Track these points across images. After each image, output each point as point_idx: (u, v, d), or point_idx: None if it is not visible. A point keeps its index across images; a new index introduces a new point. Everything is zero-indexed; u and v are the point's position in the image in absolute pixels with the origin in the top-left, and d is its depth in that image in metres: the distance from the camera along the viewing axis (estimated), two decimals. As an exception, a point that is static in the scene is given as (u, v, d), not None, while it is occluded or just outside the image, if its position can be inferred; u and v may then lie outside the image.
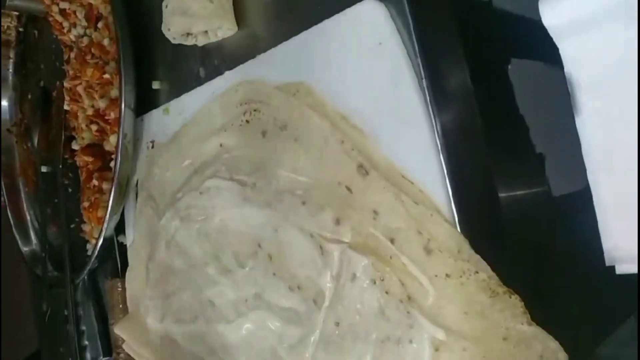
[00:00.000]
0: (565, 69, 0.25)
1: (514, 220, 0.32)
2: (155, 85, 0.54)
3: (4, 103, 0.76)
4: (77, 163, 0.63)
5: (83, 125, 0.59)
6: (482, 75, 0.34)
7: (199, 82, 0.49)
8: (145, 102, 0.55)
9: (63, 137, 0.65)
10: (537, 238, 0.35)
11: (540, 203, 0.36)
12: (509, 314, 0.31)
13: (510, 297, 0.31)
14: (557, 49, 0.28)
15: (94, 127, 0.58)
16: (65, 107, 0.61)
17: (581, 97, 0.24)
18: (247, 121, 0.43)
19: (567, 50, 0.25)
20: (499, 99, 0.35)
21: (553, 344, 0.31)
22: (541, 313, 0.31)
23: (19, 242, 0.73)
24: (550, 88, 0.38)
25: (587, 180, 0.38)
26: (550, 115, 0.39)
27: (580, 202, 0.38)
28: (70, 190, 0.68)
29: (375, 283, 0.34)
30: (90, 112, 0.58)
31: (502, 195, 0.33)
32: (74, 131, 0.63)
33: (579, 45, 0.24)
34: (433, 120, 0.33)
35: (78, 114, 0.59)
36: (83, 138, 0.59)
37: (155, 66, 0.54)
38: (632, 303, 0.43)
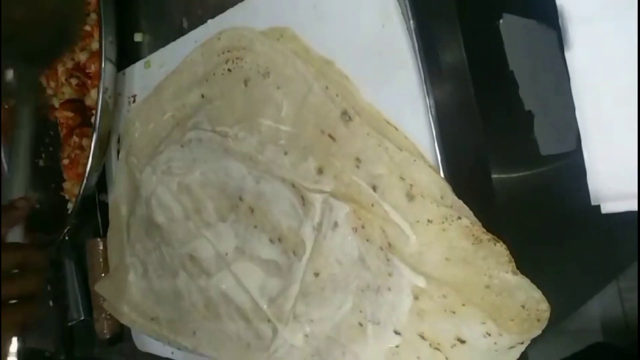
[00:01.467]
0: (557, 2, 0.24)
1: (500, 166, 0.31)
2: (137, 37, 0.52)
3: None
4: (57, 120, 0.61)
5: (63, 79, 0.57)
6: (471, 19, 0.33)
7: (182, 33, 0.47)
8: (127, 55, 0.53)
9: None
10: (524, 186, 0.34)
11: (528, 151, 0.35)
12: (493, 262, 0.30)
13: (494, 245, 0.30)
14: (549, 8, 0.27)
15: (74, 81, 0.56)
16: (45, 61, 0.59)
17: (572, 30, 0.23)
18: (229, 70, 0.41)
19: (560, -21, 0.23)
20: (488, 45, 0.34)
21: (536, 294, 0.30)
22: (527, 262, 0.30)
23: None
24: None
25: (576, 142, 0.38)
26: (541, 70, 0.38)
27: (569, 159, 0.38)
28: (51, 149, 0.66)
29: (356, 231, 0.33)
30: (70, 65, 0.56)
31: (489, 142, 0.32)
32: (53, 89, 0.61)
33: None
34: (419, 64, 0.32)
35: (57, 67, 0.57)
36: (63, 93, 0.58)
37: (137, 18, 0.52)
38: (618, 263, 0.43)
